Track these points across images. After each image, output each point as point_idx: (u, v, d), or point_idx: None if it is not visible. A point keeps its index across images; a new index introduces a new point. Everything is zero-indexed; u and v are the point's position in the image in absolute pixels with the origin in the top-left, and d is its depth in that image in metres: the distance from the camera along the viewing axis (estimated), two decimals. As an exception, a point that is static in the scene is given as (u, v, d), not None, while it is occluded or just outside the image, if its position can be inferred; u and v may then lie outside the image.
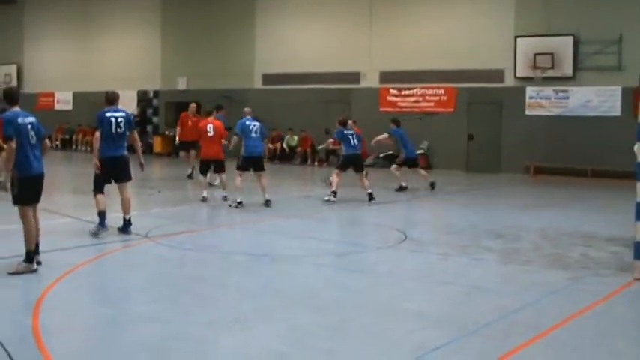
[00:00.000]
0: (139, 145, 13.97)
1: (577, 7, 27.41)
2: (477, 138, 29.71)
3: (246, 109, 18.44)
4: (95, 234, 13.11)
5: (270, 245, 13.40)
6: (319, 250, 12.85)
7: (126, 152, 13.58)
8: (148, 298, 9.23)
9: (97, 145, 13.15)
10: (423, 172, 22.68)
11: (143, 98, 39.55)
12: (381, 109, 31.29)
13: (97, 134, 13.13)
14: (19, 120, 10.13)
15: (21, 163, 10.14)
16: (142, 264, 11.68)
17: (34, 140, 10.26)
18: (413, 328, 7.99)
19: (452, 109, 30.23)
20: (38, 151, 10.40)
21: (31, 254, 10.22)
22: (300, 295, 9.47)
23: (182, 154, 24.82)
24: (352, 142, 19.14)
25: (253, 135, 17.64)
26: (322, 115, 31.65)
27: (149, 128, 39.05)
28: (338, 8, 32.78)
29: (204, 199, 18.13)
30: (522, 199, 20.55)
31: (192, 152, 23.74)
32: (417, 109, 30.81)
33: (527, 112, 28.33)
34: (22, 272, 10.07)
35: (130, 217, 13.57)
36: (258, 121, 18.04)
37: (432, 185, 21.97)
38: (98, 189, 13.41)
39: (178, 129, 24.33)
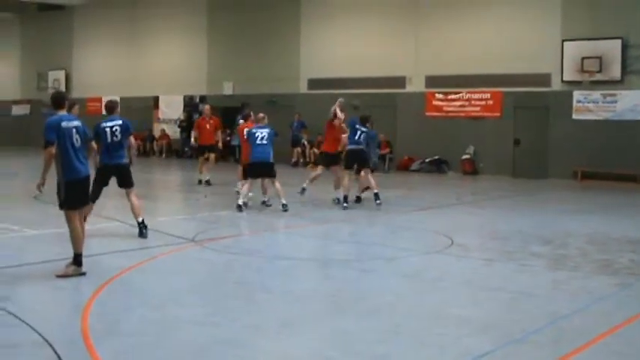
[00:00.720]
0: (132, 151, 14.37)
1: (625, 10, 27.14)
2: (523, 143, 29.49)
3: (260, 115, 18.25)
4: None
5: (316, 249, 13.43)
6: (366, 254, 12.86)
7: (126, 160, 13.73)
8: (195, 302, 9.30)
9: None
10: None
11: (189, 103, 39.81)
12: (427, 113, 31.21)
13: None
14: (63, 124, 10.25)
15: (66, 167, 10.27)
16: (189, 268, 11.76)
17: (78, 143, 10.37)
18: (460, 334, 7.96)
19: (498, 114, 30.05)
20: (83, 155, 10.51)
21: (79, 257, 10.35)
22: (347, 300, 9.48)
23: (201, 158, 23.99)
24: (358, 135, 18.72)
25: (259, 142, 17.50)
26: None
27: (194, 133, 39.15)
28: (383, 13, 32.75)
29: (264, 203, 18.25)
30: (569, 205, 20.38)
31: (212, 156, 23.59)
32: (462, 114, 30.69)
33: (574, 117, 28.07)
34: (71, 275, 10.19)
35: (143, 220, 13.62)
36: (267, 127, 17.74)
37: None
38: (91, 198, 12.38)
39: (195, 132, 24.17)
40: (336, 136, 19.05)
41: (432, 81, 31.50)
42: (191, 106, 39.65)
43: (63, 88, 43.29)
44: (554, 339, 7.87)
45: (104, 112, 13.97)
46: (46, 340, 7.39)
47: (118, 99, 13.90)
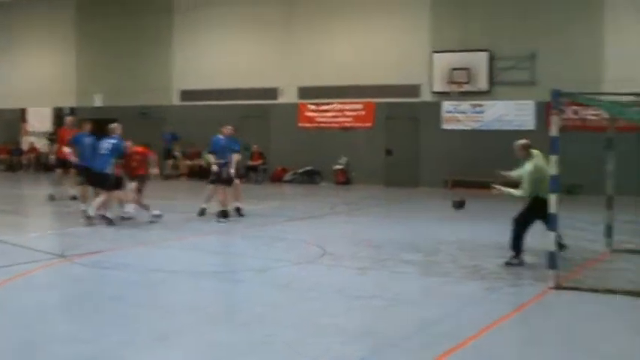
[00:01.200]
0: None
1: (492, 23, 27.92)
2: (395, 152, 29.94)
3: (113, 125, 18.10)
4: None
5: (189, 262, 13.29)
6: (238, 266, 12.82)
7: None
8: (64, 318, 9.10)
9: None
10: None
11: (59, 115, 38.93)
12: (300, 124, 31.37)
13: None
14: None
15: None
16: (57, 284, 11.50)
17: None
18: (334, 342, 7.99)
19: (370, 124, 30.43)
20: None
21: None
22: (220, 311, 9.43)
23: (59, 171, 22.55)
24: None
25: (102, 152, 17.42)
26: (241, 131, 31.56)
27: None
28: (256, 24, 32.78)
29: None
30: (440, 213, 20.73)
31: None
32: (335, 125, 30.96)
33: (444, 127, 28.68)
34: None
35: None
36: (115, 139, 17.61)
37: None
38: None
39: (58, 146, 23.19)
40: None
41: (305, 92, 31.69)
42: (61, 118, 38.77)
43: None
44: (425, 343, 7.99)
45: None
46: None
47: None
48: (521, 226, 12.59)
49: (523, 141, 13.11)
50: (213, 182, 18.66)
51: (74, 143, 18.73)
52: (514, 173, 13.29)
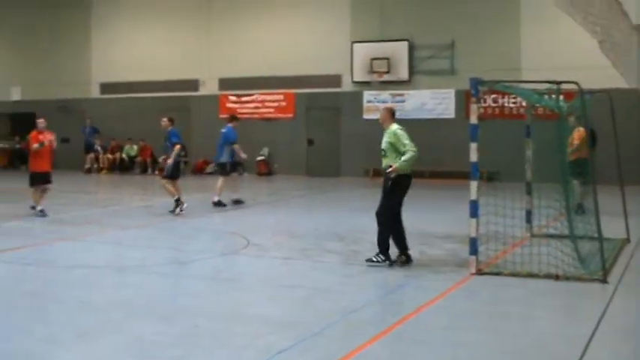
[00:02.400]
0: None
1: (411, 13, 28.21)
2: (316, 142, 30.08)
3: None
4: None
5: (112, 256, 13.16)
6: (162, 259, 12.75)
7: None
8: (-16, 316, 8.94)
9: None
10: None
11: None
12: (221, 116, 31.27)
13: None
14: None
15: None
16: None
17: None
18: (258, 332, 8.01)
19: (291, 115, 30.52)
20: None
21: None
22: (144, 305, 9.36)
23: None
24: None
25: None
26: (160, 124, 31.37)
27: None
28: (176, 16, 32.60)
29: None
30: (362, 202, 20.84)
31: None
32: (257, 115, 30.95)
33: (364, 117, 28.87)
34: None
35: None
36: None
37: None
38: None
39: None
40: None
41: (226, 83, 31.63)
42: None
43: None
44: (348, 331, 8.06)
45: None
46: None
47: None
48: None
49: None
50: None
51: None
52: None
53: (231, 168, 19.95)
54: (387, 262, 11.56)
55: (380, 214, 11.77)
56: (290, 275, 11.34)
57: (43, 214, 17.37)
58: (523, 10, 26.86)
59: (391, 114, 12.19)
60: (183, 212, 17.75)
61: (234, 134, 19.99)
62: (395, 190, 11.70)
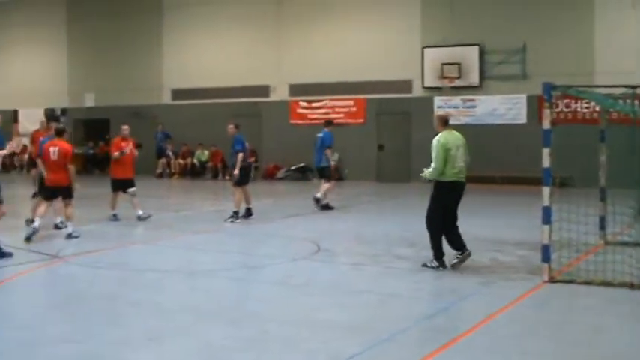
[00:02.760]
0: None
1: (482, 17, 27.96)
2: (387, 148, 30.00)
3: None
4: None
5: (183, 260, 13.28)
6: (232, 263, 12.80)
7: None
8: (59, 318, 9.06)
9: None
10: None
11: (51, 116, 38.84)
12: (292, 121, 31.37)
13: None
14: None
15: None
16: (54, 284, 11.50)
17: None
18: (328, 337, 8.00)
19: (362, 120, 30.48)
20: None
21: None
22: (215, 309, 9.41)
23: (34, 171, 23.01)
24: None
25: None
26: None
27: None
28: (247, 22, 32.78)
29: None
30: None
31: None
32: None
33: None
34: None
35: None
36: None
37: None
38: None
39: (31, 146, 23.39)
40: None
41: (296, 89, 31.71)
42: (53, 119, 38.68)
43: None
44: (420, 338, 8.01)
45: None
46: None
47: None
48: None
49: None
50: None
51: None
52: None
53: (333, 172, 20.61)
54: (440, 267, 11.60)
55: (426, 218, 11.97)
56: (360, 281, 11.31)
57: (115, 218, 17.63)
58: (597, 12, 26.44)
59: (442, 121, 12.16)
60: (233, 223, 17.64)
61: (331, 138, 20.30)
62: (437, 196, 11.88)
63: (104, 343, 7.88)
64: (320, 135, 20.36)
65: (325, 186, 19.97)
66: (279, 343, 7.91)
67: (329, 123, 21.08)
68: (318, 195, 19.88)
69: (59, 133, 15.68)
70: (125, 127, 18.51)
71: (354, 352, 7.41)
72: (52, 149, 15.26)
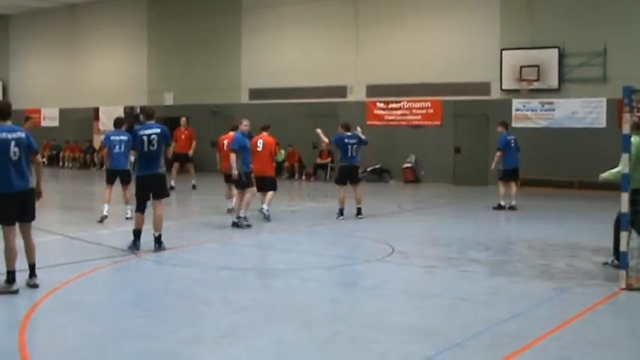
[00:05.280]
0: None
1: (562, 19, 27.56)
2: (463, 150, 29.78)
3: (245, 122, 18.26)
4: (129, 249, 13.32)
5: (257, 260, 13.39)
6: (307, 263, 12.83)
7: (161, 170, 13.49)
8: (134, 314, 9.18)
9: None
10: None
11: (130, 114, 39.43)
12: (369, 122, 31.32)
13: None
14: (2, 135, 9.83)
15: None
16: (129, 281, 11.66)
17: (15, 156, 9.90)
18: (399, 340, 7.97)
19: (439, 122, 30.32)
20: (21, 168, 9.99)
21: (11, 275, 9.98)
22: (287, 309, 9.44)
23: (176, 165, 25.28)
24: (350, 152, 18.77)
25: (117, 150, 17.56)
26: (309, 130, 31.62)
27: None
28: (324, 23, 32.85)
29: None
30: (509, 212, 20.53)
31: (191, 166, 25.92)
32: (404, 123, 30.90)
33: (513, 125, 28.33)
34: (1, 292, 9.91)
35: (160, 235, 13.48)
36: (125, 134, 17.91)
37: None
38: (139, 208, 13.34)
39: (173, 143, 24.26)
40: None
41: (373, 90, 31.67)
42: (132, 117, 39.27)
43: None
44: (493, 343, 7.92)
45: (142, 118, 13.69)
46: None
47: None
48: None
49: None
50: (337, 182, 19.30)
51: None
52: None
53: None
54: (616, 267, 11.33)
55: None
56: (433, 284, 11.24)
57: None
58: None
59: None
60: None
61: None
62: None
63: (177, 340, 7.97)
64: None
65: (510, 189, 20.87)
66: (350, 344, 7.90)
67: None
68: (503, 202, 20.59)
69: (264, 128, 19.42)
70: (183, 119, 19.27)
71: (425, 355, 7.38)
72: (259, 141, 18.59)
